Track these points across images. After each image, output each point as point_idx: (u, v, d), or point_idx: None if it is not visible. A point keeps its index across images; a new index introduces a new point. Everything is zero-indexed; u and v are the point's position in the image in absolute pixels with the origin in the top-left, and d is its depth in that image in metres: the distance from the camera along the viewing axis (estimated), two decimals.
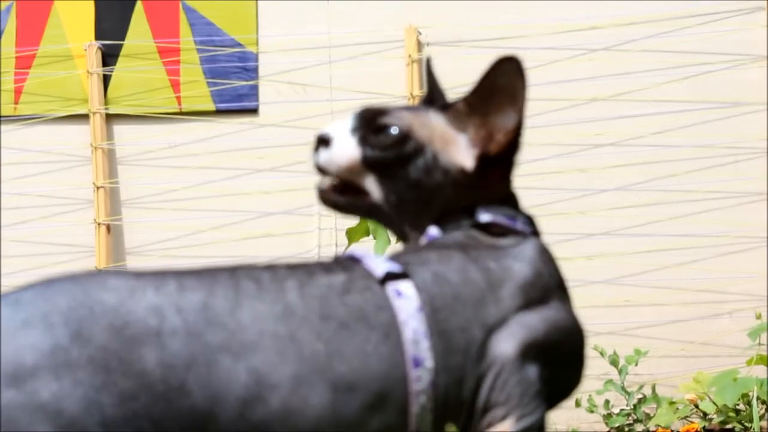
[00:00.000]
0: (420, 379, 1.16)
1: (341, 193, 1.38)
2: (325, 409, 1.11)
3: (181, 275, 1.14)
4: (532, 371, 1.22)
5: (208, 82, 4.00)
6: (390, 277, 1.20)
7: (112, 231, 3.96)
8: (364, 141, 1.34)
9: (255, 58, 4.01)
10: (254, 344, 1.10)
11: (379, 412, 1.14)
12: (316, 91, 3.92)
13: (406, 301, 1.19)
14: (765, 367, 3.03)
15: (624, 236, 3.78)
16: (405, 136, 1.34)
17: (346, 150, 1.34)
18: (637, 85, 3.83)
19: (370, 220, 1.46)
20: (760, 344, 3.01)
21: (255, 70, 4.01)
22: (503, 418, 1.21)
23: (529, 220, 1.39)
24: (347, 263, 1.23)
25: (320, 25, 3.99)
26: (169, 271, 1.15)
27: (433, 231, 1.33)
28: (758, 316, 3.18)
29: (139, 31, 4.04)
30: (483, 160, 1.36)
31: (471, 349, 1.20)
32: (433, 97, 1.48)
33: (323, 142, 1.36)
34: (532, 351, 1.22)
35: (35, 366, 1.03)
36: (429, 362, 1.17)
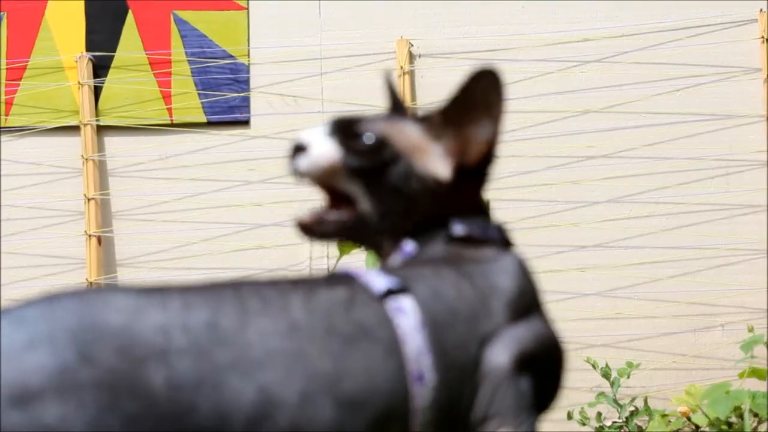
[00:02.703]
0: (422, 396, 1.16)
1: (330, 207, 1.37)
2: (332, 426, 1.10)
3: (185, 292, 1.12)
4: (524, 383, 1.23)
5: (199, 94, 4.00)
6: (390, 292, 1.20)
7: (103, 243, 3.95)
8: (342, 144, 1.34)
9: (246, 69, 4.01)
10: (261, 362, 1.08)
11: (383, 428, 1.14)
12: (308, 102, 3.91)
13: (406, 317, 1.18)
14: (757, 380, 3.02)
15: (616, 248, 3.78)
16: (381, 144, 1.33)
17: (325, 152, 1.33)
18: (629, 97, 3.83)
19: (348, 241, 1.43)
20: (752, 357, 3.01)
21: (246, 81, 4.01)
22: (497, 428, 1.21)
23: (501, 230, 1.38)
24: (346, 279, 1.22)
25: (312, 37, 3.99)
26: (173, 288, 1.13)
27: (408, 246, 1.33)
28: (750, 329, 3.18)
29: (130, 43, 4.03)
30: (459, 171, 1.35)
31: (468, 365, 1.21)
32: (397, 108, 1.48)
33: (300, 149, 1.35)
34: (524, 363, 1.23)
35: (41, 388, 0.99)
36: (431, 378, 1.17)
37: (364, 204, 1.34)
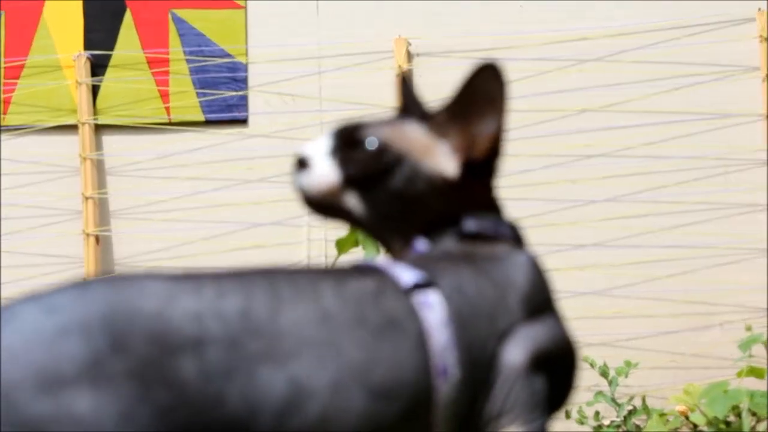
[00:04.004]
0: (445, 391, 1.16)
1: (324, 213, 1.38)
2: (362, 416, 1.09)
3: (218, 279, 1.11)
4: (539, 382, 1.24)
5: (197, 93, 4.00)
6: (416, 286, 1.20)
7: (101, 242, 3.95)
8: (343, 162, 1.33)
9: (244, 68, 4.01)
10: (294, 351, 1.07)
11: (410, 421, 1.14)
12: (306, 101, 3.91)
13: (433, 311, 1.18)
14: (755, 379, 3.02)
15: (614, 247, 3.78)
16: (383, 149, 1.33)
17: (325, 175, 1.33)
18: (628, 96, 3.83)
19: (359, 231, 1.44)
20: (750, 356, 3.01)
21: (244, 80, 4.01)
22: (510, 425, 1.22)
23: (513, 228, 1.39)
24: (373, 270, 1.22)
25: (310, 35, 3.99)
26: (205, 274, 1.12)
27: (420, 244, 1.33)
28: (749, 328, 3.18)
29: (128, 42, 4.03)
30: (466, 167, 1.35)
31: (487, 361, 1.21)
32: (409, 108, 1.47)
33: (302, 164, 1.35)
34: (539, 363, 1.24)
35: (72, 376, 0.98)
36: (454, 374, 1.17)
37: (361, 214, 1.34)
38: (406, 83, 1.52)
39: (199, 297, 1.07)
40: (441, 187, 1.34)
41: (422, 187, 1.33)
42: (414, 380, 1.14)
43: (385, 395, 1.11)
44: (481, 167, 1.36)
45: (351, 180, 1.33)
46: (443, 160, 1.35)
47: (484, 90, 1.34)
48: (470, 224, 1.34)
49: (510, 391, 1.22)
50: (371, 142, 1.34)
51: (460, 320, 1.20)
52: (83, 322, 1.01)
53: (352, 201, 1.34)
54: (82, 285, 1.05)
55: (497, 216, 1.39)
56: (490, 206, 1.39)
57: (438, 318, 1.18)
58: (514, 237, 1.38)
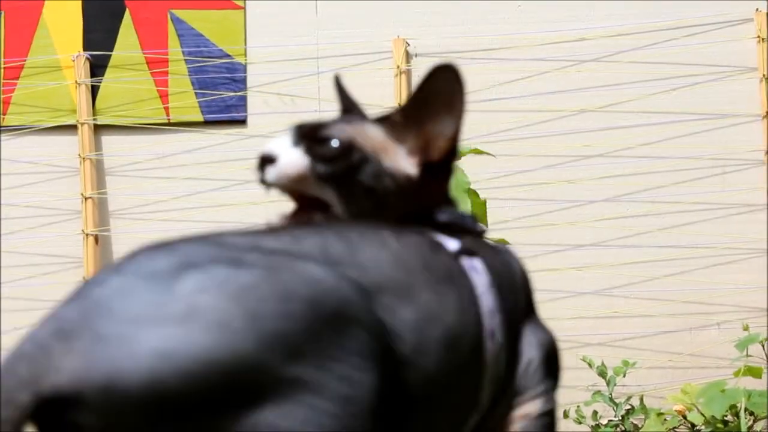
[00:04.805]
0: (493, 352, 1.19)
1: (300, 212, 1.36)
2: (436, 363, 1.10)
3: (295, 232, 1.12)
4: (549, 370, 1.31)
5: (196, 93, 4.00)
6: (461, 252, 1.23)
7: (100, 242, 3.95)
8: (309, 151, 1.33)
9: (243, 69, 4.01)
10: (380, 286, 1.08)
11: (469, 374, 1.16)
12: (305, 102, 3.91)
13: (479, 276, 1.21)
14: (753, 379, 3.03)
15: (612, 247, 3.79)
16: (349, 147, 1.33)
17: (293, 161, 1.33)
18: (626, 96, 3.83)
19: None
20: (747, 356, 3.01)
21: (243, 81, 4.01)
22: (531, 400, 1.28)
23: (474, 221, 1.40)
24: (419, 231, 1.24)
25: (308, 36, 3.99)
26: (306, 231, 1.12)
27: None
28: (745, 328, 3.18)
29: (127, 42, 4.04)
30: (426, 166, 1.35)
31: (515, 335, 1.26)
32: (350, 109, 1.49)
33: (268, 161, 1.35)
34: (552, 346, 1.32)
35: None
36: (499, 337, 1.20)
37: (337, 207, 1.33)
38: (340, 84, 1.53)
39: (349, 249, 1.09)
40: (404, 184, 1.34)
41: (389, 183, 1.33)
42: (473, 334, 1.17)
43: (454, 341, 1.13)
44: (438, 167, 1.36)
45: (323, 176, 1.32)
46: (402, 161, 1.35)
47: (440, 91, 1.34)
48: (443, 216, 1.35)
49: (531, 368, 1.27)
50: (336, 142, 1.33)
51: (500, 288, 1.24)
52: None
53: (329, 196, 1.33)
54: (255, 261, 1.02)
55: (456, 210, 1.40)
56: (447, 202, 1.39)
57: (485, 283, 1.22)
58: (479, 231, 1.39)
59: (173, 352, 0.91)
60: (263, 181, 1.35)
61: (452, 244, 1.24)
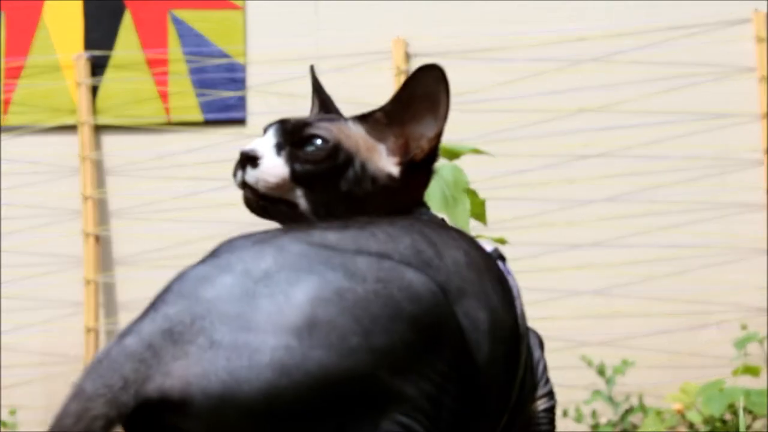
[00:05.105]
0: (524, 355, 1.23)
1: (271, 204, 1.34)
2: (486, 358, 1.11)
3: (390, 230, 1.12)
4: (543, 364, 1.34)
5: (196, 93, 4.01)
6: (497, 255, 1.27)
7: (101, 241, 3.96)
8: (292, 157, 1.31)
9: (243, 69, 4.02)
10: (462, 291, 1.10)
11: (512, 377, 1.20)
12: (304, 102, 3.89)
13: (512, 279, 1.25)
14: (751, 378, 3.04)
15: (611, 247, 3.79)
16: (335, 148, 1.31)
17: (275, 169, 1.31)
18: (625, 96, 3.84)
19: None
20: (746, 354, 3.02)
21: (243, 81, 4.02)
22: (543, 397, 1.32)
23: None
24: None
25: (308, 36, 4.00)
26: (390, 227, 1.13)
27: None
28: (744, 327, 3.19)
29: (127, 42, 4.04)
30: (408, 166, 1.34)
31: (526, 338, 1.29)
32: (328, 108, 1.48)
33: (249, 160, 1.32)
34: (543, 345, 1.36)
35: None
36: (526, 338, 1.24)
37: (307, 210, 1.31)
38: (315, 78, 1.52)
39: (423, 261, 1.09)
40: (387, 184, 1.33)
41: (369, 187, 1.31)
42: (516, 337, 1.20)
43: (511, 349, 1.17)
44: (419, 167, 1.35)
45: (301, 177, 1.30)
46: (383, 160, 1.34)
47: (424, 92, 1.32)
48: (425, 217, 1.34)
49: (538, 370, 1.31)
50: (320, 141, 1.31)
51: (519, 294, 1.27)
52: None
53: (299, 198, 1.31)
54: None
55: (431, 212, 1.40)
56: (421, 203, 1.39)
57: (517, 286, 1.25)
58: None
59: (293, 367, 0.92)
60: (243, 181, 1.33)
61: (488, 246, 1.26)
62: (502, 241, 2.55)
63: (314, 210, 1.31)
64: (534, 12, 3.94)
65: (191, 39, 4.03)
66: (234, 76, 4.02)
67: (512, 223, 3.63)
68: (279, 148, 1.32)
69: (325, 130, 1.32)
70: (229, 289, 0.96)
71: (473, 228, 2.43)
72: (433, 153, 1.35)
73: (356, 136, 1.34)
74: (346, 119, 1.38)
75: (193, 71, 4.02)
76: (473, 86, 3.85)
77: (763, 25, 3.83)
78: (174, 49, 4.04)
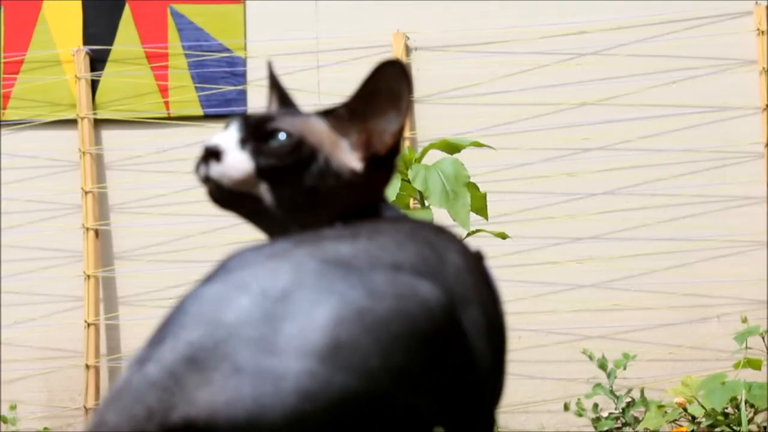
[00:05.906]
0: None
1: (236, 199, 1.33)
2: (498, 361, 1.16)
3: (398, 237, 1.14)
4: None
5: (196, 87, 4.00)
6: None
7: (101, 236, 3.95)
8: (256, 152, 1.30)
9: (243, 62, 4.01)
10: (466, 299, 1.11)
11: (503, 372, 1.22)
12: (304, 95, 3.91)
13: (495, 280, 1.26)
14: (753, 371, 3.04)
15: (612, 240, 3.79)
16: (299, 142, 1.31)
17: (240, 164, 1.30)
18: (625, 89, 3.83)
19: (252, 222, 1.42)
20: (747, 348, 3.02)
21: (243, 74, 4.01)
22: None
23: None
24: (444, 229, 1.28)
25: (308, 30, 3.99)
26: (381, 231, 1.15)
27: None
28: (744, 320, 3.19)
29: (127, 36, 4.04)
30: (371, 161, 1.34)
31: None
32: (287, 103, 1.48)
33: (213, 154, 1.31)
34: None
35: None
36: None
37: (270, 203, 1.31)
38: (273, 73, 1.52)
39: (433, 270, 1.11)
40: (350, 180, 1.32)
41: (333, 182, 1.31)
42: (505, 336, 1.22)
43: (496, 344, 1.18)
44: (382, 162, 1.35)
45: (265, 172, 1.30)
46: (346, 155, 1.34)
47: (386, 87, 1.32)
48: (390, 212, 1.35)
49: None
50: (283, 135, 1.31)
51: None
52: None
53: (263, 191, 1.31)
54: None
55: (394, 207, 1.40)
56: (383, 198, 1.38)
57: (497, 287, 1.26)
58: None
59: (317, 393, 0.93)
60: (204, 177, 1.32)
61: (473, 246, 1.27)
62: (503, 236, 2.55)
63: (278, 204, 1.31)
64: (534, 5, 3.93)
65: (191, 33, 4.03)
66: (234, 70, 4.01)
67: (513, 217, 3.63)
68: (243, 142, 1.31)
69: (289, 124, 1.32)
70: (249, 312, 0.96)
71: (474, 222, 2.43)
72: (395, 148, 1.35)
73: (320, 131, 1.34)
74: (308, 114, 1.38)
75: (193, 65, 4.02)
76: (473, 80, 3.85)
77: (763, 18, 3.82)
78: (174, 44, 4.03)
